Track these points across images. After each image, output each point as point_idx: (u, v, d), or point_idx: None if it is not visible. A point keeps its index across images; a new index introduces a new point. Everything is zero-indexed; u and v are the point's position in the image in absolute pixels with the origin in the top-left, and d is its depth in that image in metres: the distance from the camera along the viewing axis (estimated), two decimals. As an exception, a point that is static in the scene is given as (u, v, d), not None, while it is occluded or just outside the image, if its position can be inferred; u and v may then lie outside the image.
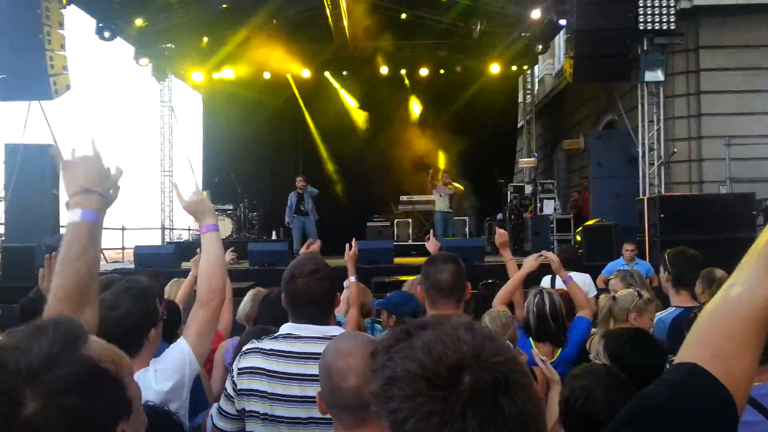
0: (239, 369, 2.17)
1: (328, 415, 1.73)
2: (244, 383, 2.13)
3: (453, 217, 12.69)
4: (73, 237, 1.62)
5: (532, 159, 16.79)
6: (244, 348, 2.25)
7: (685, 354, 1.07)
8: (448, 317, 0.98)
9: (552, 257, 4.03)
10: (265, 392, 2.10)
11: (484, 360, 0.86)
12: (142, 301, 2.21)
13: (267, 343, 2.20)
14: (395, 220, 14.95)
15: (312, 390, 2.00)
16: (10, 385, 0.92)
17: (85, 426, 0.96)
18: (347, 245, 4.07)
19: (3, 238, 10.73)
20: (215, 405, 2.28)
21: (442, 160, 16.83)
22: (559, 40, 16.46)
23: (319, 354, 2.08)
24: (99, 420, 0.99)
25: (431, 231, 6.45)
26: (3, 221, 11.00)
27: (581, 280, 6.88)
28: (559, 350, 3.38)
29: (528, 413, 0.86)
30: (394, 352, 0.91)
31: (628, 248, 7.73)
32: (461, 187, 12.48)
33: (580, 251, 9.92)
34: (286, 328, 2.24)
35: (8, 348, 0.97)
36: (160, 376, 2.11)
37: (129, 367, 1.14)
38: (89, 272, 1.61)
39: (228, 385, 2.18)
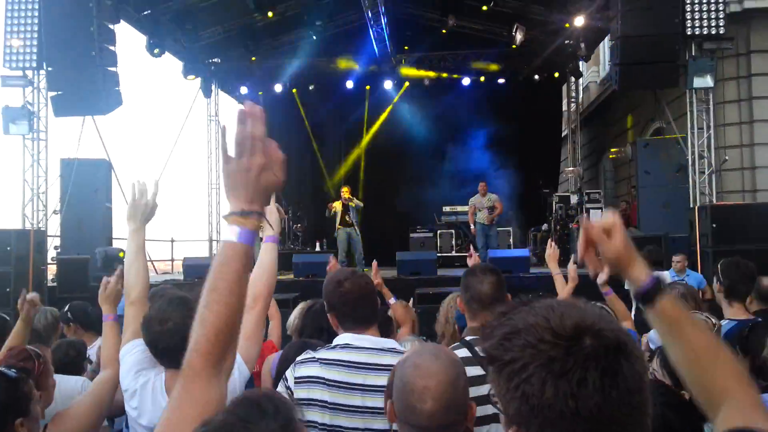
0: (296, 378, 2.17)
1: (386, 427, 1.72)
2: (302, 393, 2.14)
3: (495, 228, 12.41)
4: (227, 261, 1.28)
5: (578, 168, 16.53)
6: (300, 358, 2.25)
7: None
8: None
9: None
10: (326, 402, 2.10)
11: (605, 324, 0.89)
12: (188, 307, 2.24)
13: (324, 353, 2.21)
14: (438, 231, 14.90)
15: (372, 401, 2.03)
16: None
17: None
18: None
19: (59, 250, 11.09)
20: None
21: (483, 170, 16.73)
22: (604, 47, 16.22)
23: (381, 365, 2.10)
24: None
25: (470, 246, 6.32)
26: (59, 233, 11.37)
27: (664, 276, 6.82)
28: None
29: (642, 381, 0.88)
30: (512, 314, 0.94)
31: (677, 259, 7.54)
32: (497, 207, 12.14)
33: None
34: (343, 339, 2.25)
35: (239, 427, 1.03)
36: None
37: None
38: (240, 309, 1.28)
39: (282, 393, 2.18)
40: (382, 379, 2.04)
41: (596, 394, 0.83)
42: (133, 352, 2.34)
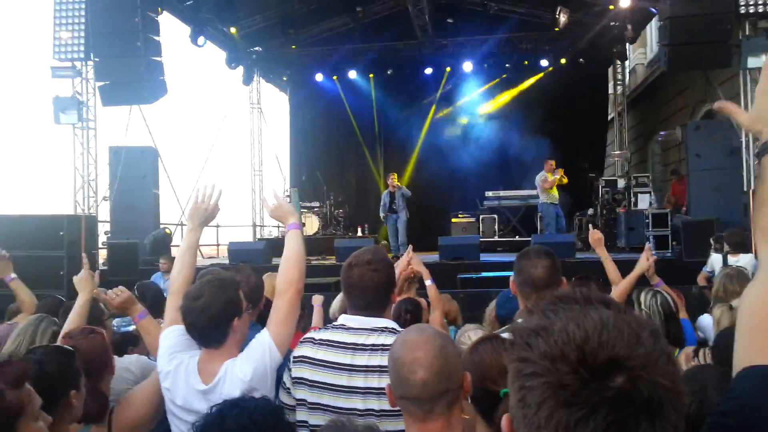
0: (294, 357, 2.23)
1: (369, 407, 1.85)
2: (296, 372, 2.19)
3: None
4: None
5: (625, 152, 16.13)
6: (302, 338, 2.31)
7: (740, 359, 1.06)
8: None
9: (649, 262, 3.80)
10: (312, 381, 2.13)
11: (654, 371, 0.74)
12: (224, 292, 2.29)
13: (320, 334, 2.25)
14: (480, 216, 14.76)
15: (357, 381, 2.04)
16: None
17: None
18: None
19: (109, 235, 11.39)
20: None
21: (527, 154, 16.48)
22: (651, 28, 15.77)
23: (368, 345, 2.11)
24: None
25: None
26: (108, 219, 11.68)
27: (749, 261, 6.37)
28: (676, 350, 3.21)
29: None
30: (561, 306, 0.82)
31: (729, 244, 7.30)
32: (565, 179, 12.00)
33: (678, 247, 9.53)
34: (341, 319, 2.28)
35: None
36: (242, 365, 2.20)
37: None
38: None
39: (285, 377, 2.23)
40: (371, 359, 2.07)
41: None
42: (170, 336, 2.42)
